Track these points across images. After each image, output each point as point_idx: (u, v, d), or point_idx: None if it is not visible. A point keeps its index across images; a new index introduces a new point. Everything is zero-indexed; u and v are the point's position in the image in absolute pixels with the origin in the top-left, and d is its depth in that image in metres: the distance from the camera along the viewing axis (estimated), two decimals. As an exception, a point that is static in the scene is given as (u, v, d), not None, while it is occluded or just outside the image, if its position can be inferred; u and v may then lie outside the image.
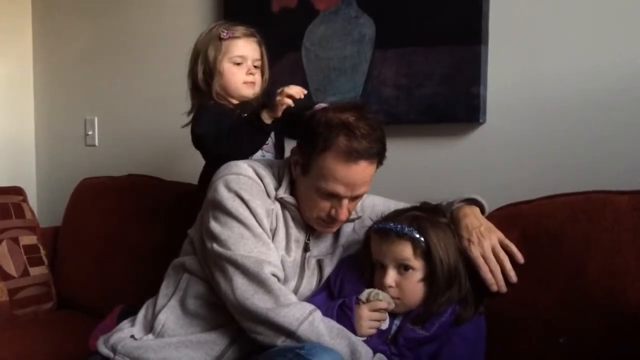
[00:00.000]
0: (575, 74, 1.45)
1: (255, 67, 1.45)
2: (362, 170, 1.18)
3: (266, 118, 1.31)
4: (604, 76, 1.42)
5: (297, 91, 1.29)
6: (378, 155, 1.21)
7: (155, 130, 2.15)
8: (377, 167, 1.23)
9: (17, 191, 2.02)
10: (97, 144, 2.31)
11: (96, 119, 2.31)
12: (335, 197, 1.21)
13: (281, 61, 1.82)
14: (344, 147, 1.16)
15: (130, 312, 1.49)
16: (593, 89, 1.44)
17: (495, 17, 1.53)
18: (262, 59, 1.47)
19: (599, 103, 1.43)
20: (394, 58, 1.63)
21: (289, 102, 1.29)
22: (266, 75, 1.48)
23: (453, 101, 1.56)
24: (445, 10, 1.55)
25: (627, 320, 1.08)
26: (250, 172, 1.26)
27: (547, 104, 1.49)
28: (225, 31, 1.42)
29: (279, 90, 1.30)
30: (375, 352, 1.14)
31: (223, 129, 1.35)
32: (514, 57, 1.52)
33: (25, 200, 2.02)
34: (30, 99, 2.47)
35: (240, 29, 1.45)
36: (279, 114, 1.31)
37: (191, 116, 1.47)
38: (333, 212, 1.22)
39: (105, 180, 2.01)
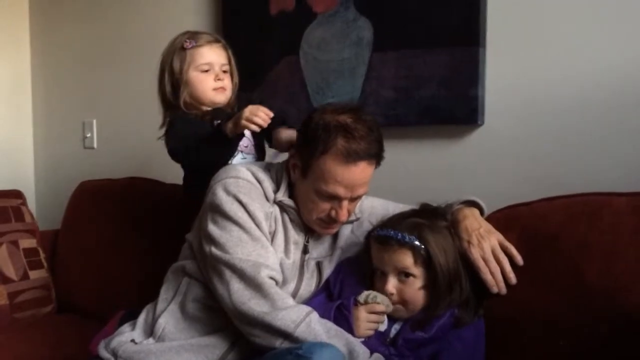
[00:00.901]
0: (573, 76, 1.46)
1: (224, 71, 1.44)
2: (361, 171, 1.19)
3: (230, 131, 1.30)
4: (602, 78, 1.43)
5: (263, 119, 1.26)
6: (376, 156, 1.22)
7: (155, 132, 2.13)
8: (376, 167, 1.24)
9: (16, 194, 2.02)
10: (95, 146, 2.31)
11: (94, 122, 2.31)
12: (336, 199, 1.21)
13: (279, 64, 1.82)
14: (343, 149, 1.17)
15: (131, 318, 1.49)
16: (591, 91, 1.44)
17: (493, 19, 1.53)
18: (229, 63, 1.46)
19: (597, 105, 1.44)
20: (392, 60, 1.64)
21: (254, 128, 1.27)
22: (236, 79, 1.48)
23: (452, 103, 1.56)
24: (443, 13, 1.56)
25: (626, 322, 1.09)
26: (249, 176, 1.26)
27: (545, 105, 1.49)
28: (188, 41, 1.42)
29: (246, 113, 1.26)
30: (372, 353, 1.14)
31: (191, 143, 1.34)
32: (512, 59, 1.52)
33: (24, 203, 2.02)
34: (28, 102, 2.46)
35: (203, 37, 1.44)
36: (241, 132, 1.31)
37: (163, 130, 1.47)
38: (333, 213, 1.23)
39: (105, 183, 2.01)
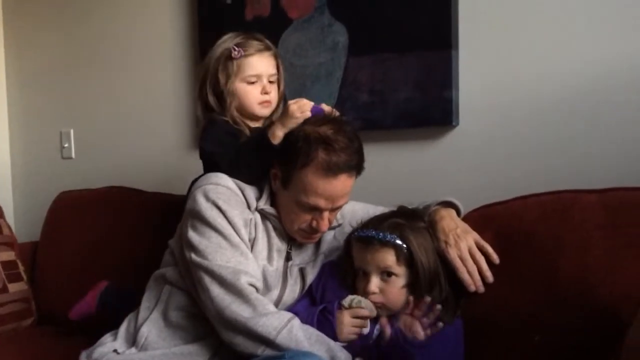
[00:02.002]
0: (544, 77, 1.49)
1: (270, 82, 1.37)
2: (341, 183, 1.20)
3: (276, 137, 1.23)
4: (573, 78, 1.46)
5: (309, 107, 1.23)
6: (357, 167, 1.22)
7: (133, 141, 2.14)
8: (356, 177, 1.25)
9: (-7, 207, 1.99)
10: (74, 156, 2.29)
11: (72, 131, 2.29)
12: (317, 210, 1.22)
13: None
14: (324, 162, 1.17)
15: (112, 293, 1.48)
16: (562, 91, 1.47)
17: (465, 22, 1.56)
18: (278, 72, 1.39)
19: (568, 105, 1.47)
20: (367, 64, 1.66)
21: (308, 114, 1.23)
22: (282, 87, 1.41)
23: (426, 105, 1.58)
24: (416, 17, 1.58)
25: (599, 316, 1.11)
26: (230, 183, 1.26)
27: (518, 106, 1.52)
28: (237, 50, 1.33)
29: (294, 106, 1.22)
30: (354, 357, 1.15)
31: (230, 152, 1.28)
32: (485, 61, 1.55)
33: (1, 215, 1.99)
34: (4, 112, 2.42)
35: (253, 44, 1.35)
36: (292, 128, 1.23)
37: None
38: (314, 223, 1.24)
39: (84, 193, 2.00)
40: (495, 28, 1.54)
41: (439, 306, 1.12)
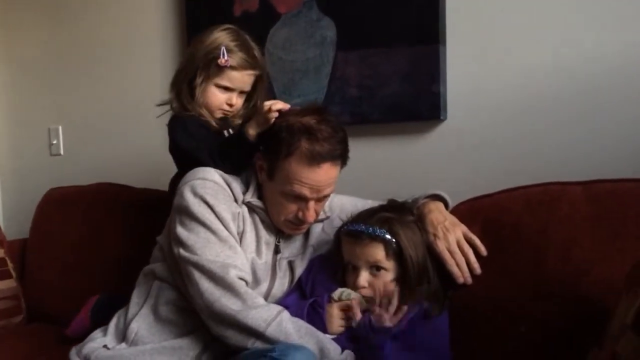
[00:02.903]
0: (531, 71, 1.50)
1: (241, 92, 1.40)
2: (325, 172, 1.20)
3: (252, 135, 1.26)
4: (559, 72, 1.48)
5: (283, 106, 1.26)
6: (341, 157, 1.23)
7: (122, 137, 2.14)
8: (342, 168, 1.25)
9: (-19, 205, 1.98)
10: (62, 153, 2.28)
11: (60, 128, 2.27)
12: (302, 200, 1.23)
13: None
14: (307, 152, 1.18)
15: (104, 304, 1.48)
16: (549, 85, 1.49)
17: (452, 17, 1.57)
18: (255, 89, 1.42)
19: (554, 98, 1.48)
20: (356, 59, 1.66)
21: (276, 114, 1.25)
22: (254, 102, 1.43)
23: (414, 99, 1.59)
24: (404, 11, 1.59)
25: (584, 306, 1.13)
26: (217, 177, 1.27)
27: (505, 100, 1.54)
28: (224, 58, 1.34)
29: (266, 107, 1.25)
30: (343, 349, 1.16)
31: (202, 148, 1.30)
32: (472, 56, 1.56)
33: (-10, 213, 1.99)
34: (-9, 109, 2.41)
35: (240, 57, 1.36)
36: (264, 128, 1.27)
37: (166, 107, 1.42)
38: (300, 214, 1.24)
39: (73, 190, 1.99)
40: (483, 23, 1.55)
41: (405, 307, 1.15)
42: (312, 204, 1.24)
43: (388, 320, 1.13)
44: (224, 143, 1.33)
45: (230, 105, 1.39)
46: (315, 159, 1.18)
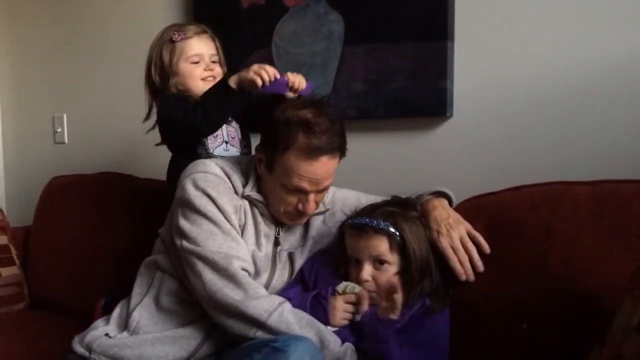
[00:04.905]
0: (539, 69, 1.50)
1: (213, 62, 1.46)
2: (323, 165, 1.21)
3: (232, 83, 1.32)
4: (568, 71, 1.47)
5: (270, 75, 1.31)
6: (339, 149, 1.23)
7: (127, 126, 2.12)
8: (340, 159, 1.25)
9: (-15, 191, 1.99)
10: (66, 141, 2.28)
11: (65, 116, 2.28)
12: (302, 192, 1.23)
13: (251, 57, 1.82)
14: (304, 145, 1.18)
15: (113, 305, 1.49)
16: (556, 84, 1.49)
17: (461, 14, 1.57)
18: (218, 53, 1.48)
19: (562, 97, 1.48)
20: (363, 54, 1.66)
21: (258, 81, 1.30)
22: (224, 68, 1.49)
23: (421, 96, 1.59)
24: (412, 7, 1.58)
25: (586, 304, 1.13)
26: (218, 170, 1.27)
27: (512, 97, 1.53)
28: (177, 33, 1.43)
29: (253, 67, 1.31)
30: (344, 342, 1.16)
31: (188, 104, 1.36)
32: (480, 53, 1.56)
33: (-7, 200, 1.99)
34: (-4, 96, 2.42)
35: (191, 28, 1.46)
36: (246, 85, 1.32)
37: (153, 122, 1.48)
38: (300, 206, 1.25)
39: (76, 178, 1.99)
40: (491, 21, 1.54)
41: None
42: (312, 196, 1.24)
43: (396, 312, 1.14)
44: (206, 92, 1.37)
45: (211, 70, 1.44)
46: (312, 153, 1.18)
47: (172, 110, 1.38)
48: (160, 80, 1.44)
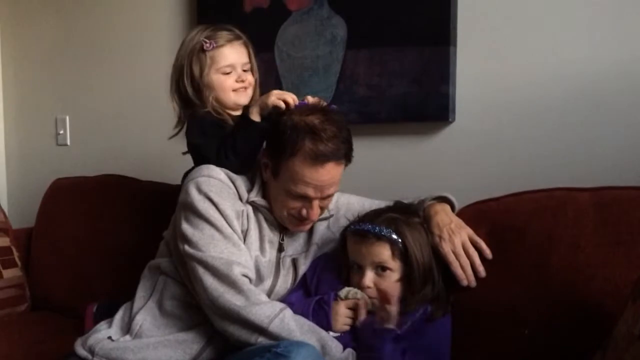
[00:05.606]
0: (541, 74, 1.50)
1: (244, 70, 1.39)
2: (329, 172, 1.21)
3: (255, 116, 1.28)
4: (569, 76, 1.47)
5: (293, 98, 1.27)
6: (345, 156, 1.23)
7: (129, 129, 2.14)
8: (346, 166, 1.26)
9: (-12, 193, 1.99)
10: (69, 143, 2.29)
11: (67, 118, 2.28)
12: (306, 199, 1.23)
13: (254, 61, 1.83)
14: (310, 151, 1.18)
15: (103, 311, 1.49)
16: (558, 89, 1.49)
17: (464, 19, 1.57)
18: (250, 60, 1.41)
19: (562, 103, 1.48)
20: (365, 58, 1.66)
21: (281, 104, 1.26)
22: (256, 75, 1.43)
23: (423, 100, 1.59)
24: (415, 12, 1.59)
25: (588, 311, 1.13)
26: (222, 175, 1.27)
27: (514, 103, 1.54)
28: (208, 42, 1.35)
29: (274, 93, 1.27)
30: (345, 348, 1.16)
31: (212, 145, 1.31)
32: (482, 58, 1.56)
33: (-4, 201, 2.00)
34: (-1, 98, 2.42)
35: (223, 35, 1.38)
36: (267, 112, 1.28)
37: (177, 129, 1.44)
38: (304, 212, 1.25)
39: (79, 181, 1.99)
40: (494, 26, 1.55)
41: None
42: (316, 202, 1.24)
43: (391, 322, 1.14)
44: (232, 129, 1.32)
45: (242, 81, 1.38)
46: (319, 159, 1.18)
47: (207, 151, 1.31)
48: (194, 91, 1.37)
